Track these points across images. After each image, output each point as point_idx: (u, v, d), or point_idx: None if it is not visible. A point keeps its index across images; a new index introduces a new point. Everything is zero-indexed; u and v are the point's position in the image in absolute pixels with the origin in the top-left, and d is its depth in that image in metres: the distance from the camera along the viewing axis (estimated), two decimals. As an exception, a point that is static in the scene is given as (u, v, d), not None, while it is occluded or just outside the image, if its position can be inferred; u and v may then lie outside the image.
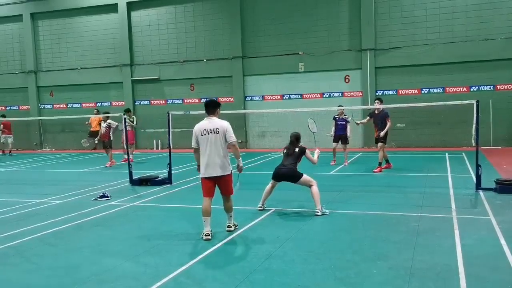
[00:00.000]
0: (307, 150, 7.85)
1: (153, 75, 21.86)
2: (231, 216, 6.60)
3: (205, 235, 6.21)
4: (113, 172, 13.77)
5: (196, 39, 21.25)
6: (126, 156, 16.59)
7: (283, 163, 7.81)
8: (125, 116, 12.43)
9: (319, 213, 7.40)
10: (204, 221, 6.29)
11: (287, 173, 7.68)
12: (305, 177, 7.68)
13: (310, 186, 7.66)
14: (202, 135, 6.30)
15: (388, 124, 12.15)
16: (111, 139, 15.26)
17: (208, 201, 6.36)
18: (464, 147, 15.01)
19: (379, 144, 12.23)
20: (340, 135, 13.67)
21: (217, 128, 6.27)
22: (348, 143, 13.88)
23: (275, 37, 19.99)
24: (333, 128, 13.80)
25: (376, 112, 12.36)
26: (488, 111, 16.58)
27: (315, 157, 7.96)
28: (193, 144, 6.42)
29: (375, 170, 12.06)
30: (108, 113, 17.60)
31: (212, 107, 6.45)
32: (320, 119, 17.88)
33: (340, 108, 13.66)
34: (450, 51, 17.75)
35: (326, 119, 13.65)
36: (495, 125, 17.15)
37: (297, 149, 7.81)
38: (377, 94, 18.75)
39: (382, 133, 12.05)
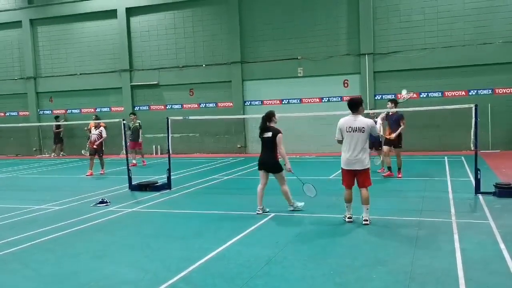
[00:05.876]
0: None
1: (153, 81, 21.87)
2: (367, 209, 7.05)
3: (348, 218, 7.14)
4: (112, 178, 13.76)
5: (195, 44, 21.29)
6: (134, 161, 16.87)
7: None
8: (124, 121, 12.33)
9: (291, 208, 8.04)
10: (346, 206, 7.20)
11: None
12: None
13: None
14: (347, 132, 6.99)
15: (402, 127, 11.59)
16: (103, 147, 14.94)
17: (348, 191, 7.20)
18: (463, 151, 15.02)
19: (385, 147, 11.70)
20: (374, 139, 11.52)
21: (363, 127, 6.92)
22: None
23: (273, 42, 20.03)
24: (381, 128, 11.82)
25: (390, 113, 11.62)
26: (486, 114, 16.60)
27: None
28: (337, 137, 7.16)
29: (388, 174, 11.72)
30: (99, 118, 17.53)
31: (355, 107, 7.04)
32: (321, 122, 18.30)
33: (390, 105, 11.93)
34: (448, 55, 17.79)
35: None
36: (494, 128, 17.17)
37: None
38: (375, 98, 18.79)
39: (393, 135, 11.47)
